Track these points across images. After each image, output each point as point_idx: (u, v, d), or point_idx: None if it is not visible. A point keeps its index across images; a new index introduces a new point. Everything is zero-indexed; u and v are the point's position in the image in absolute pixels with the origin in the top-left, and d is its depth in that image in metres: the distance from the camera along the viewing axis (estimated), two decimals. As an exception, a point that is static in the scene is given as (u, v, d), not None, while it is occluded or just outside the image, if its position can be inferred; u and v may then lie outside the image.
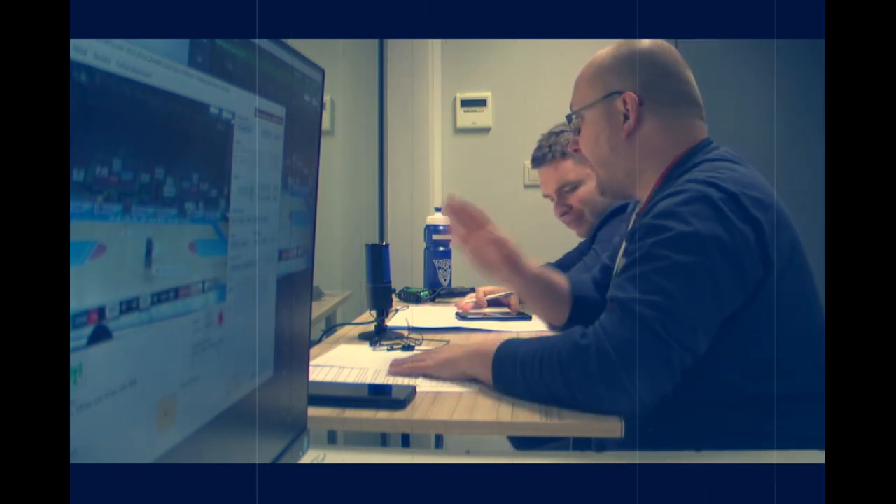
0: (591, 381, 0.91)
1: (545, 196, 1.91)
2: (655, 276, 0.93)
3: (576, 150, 1.20)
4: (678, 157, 1.09)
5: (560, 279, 1.34)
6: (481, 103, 2.99)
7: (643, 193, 1.14)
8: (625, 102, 1.10)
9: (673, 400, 0.95)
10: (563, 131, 1.81)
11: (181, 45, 0.46)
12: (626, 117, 1.10)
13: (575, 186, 1.80)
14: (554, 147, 1.81)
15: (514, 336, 1.20)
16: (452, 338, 1.41)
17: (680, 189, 0.98)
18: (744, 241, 0.94)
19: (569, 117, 1.19)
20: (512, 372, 0.99)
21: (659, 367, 0.91)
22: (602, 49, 1.16)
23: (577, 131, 1.18)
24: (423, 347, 1.34)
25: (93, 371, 0.38)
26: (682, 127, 1.10)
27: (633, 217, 1.20)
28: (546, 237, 2.95)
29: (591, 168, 1.40)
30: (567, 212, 1.84)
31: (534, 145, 1.91)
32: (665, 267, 0.93)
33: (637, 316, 0.91)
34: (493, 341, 1.07)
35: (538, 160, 1.86)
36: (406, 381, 1.08)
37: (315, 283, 0.94)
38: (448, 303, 1.94)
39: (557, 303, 1.32)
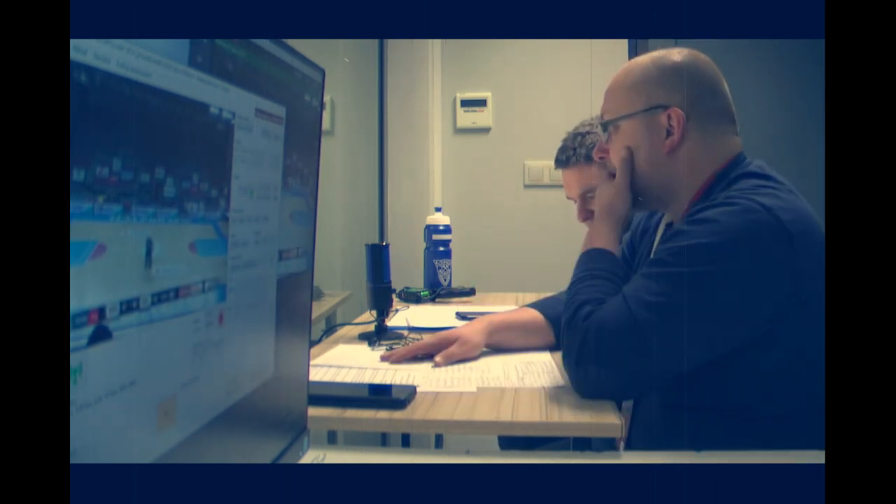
0: (569, 360, 1.01)
1: (568, 198, 1.88)
2: (665, 279, 0.95)
3: (601, 158, 1.18)
4: (715, 173, 1.07)
5: (530, 315, 1.36)
6: (481, 103, 2.99)
7: (676, 208, 1.12)
8: (669, 118, 1.06)
9: (688, 409, 0.96)
10: (588, 132, 1.78)
11: (181, 45, 0.46)
12: (669, 133, 1.07)
13: None
14: (579, 150, 1.76)
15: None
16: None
17: (716, 203, 0.98)
18: (773, 254, 0.93)
19: (604, 125, 1.14)
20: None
21: (636, 368, 0.95)
22: (639, 57, 1.12)
23: (608, 139, 1.15)
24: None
25: (93, 371, 0.38)
26: (721, 144, 1.09)
27: (663, 226, 1.20)
28: (546, 237, 2.95)
29: None
30: (590, 217, 1.81)
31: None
32: (682, 274, 0.94)
33: (632, 316, 0.94)
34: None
35: (562, 162, 1.82)
36: (406, 380, 1.08)
37: (315, 283, 0.93)
38: (448, 303, 1.94)
39: (540, 333, 1.32)
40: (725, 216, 0.95)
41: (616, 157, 1.13)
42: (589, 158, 1.74)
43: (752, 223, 0.93)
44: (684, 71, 1.07)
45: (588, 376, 0.97)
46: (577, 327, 1.00)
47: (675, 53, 1.10)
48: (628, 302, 0.96)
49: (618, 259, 1.13)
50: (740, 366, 0.97)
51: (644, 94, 1.08)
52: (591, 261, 1.11)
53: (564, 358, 1.03)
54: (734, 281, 0.93)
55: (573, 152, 1.78)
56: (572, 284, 1.10)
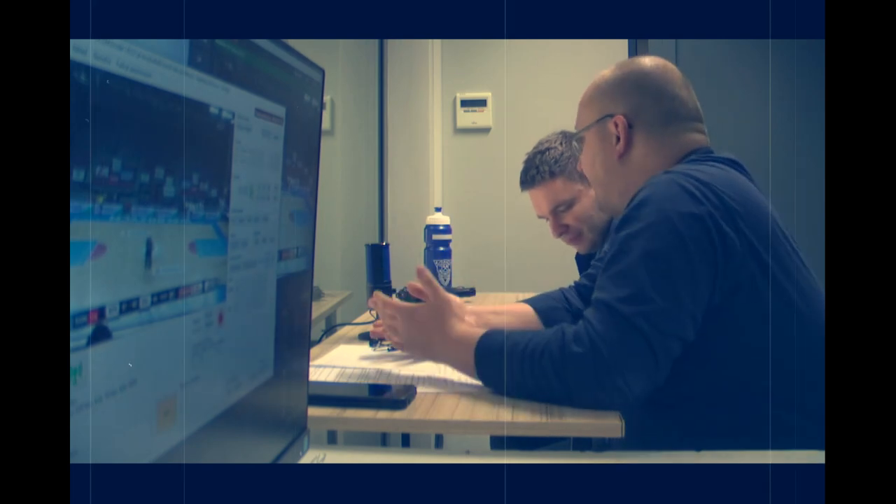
0: (589, 387, 0.92)
1: (539, 217, 1.88)
2: (631, 270, 0.95)
3: (581, 169, 1.25)
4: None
5: (521, 307, 1.41)
6: (481, 103, 2.99)
7: None
8: (616, 125, 1.13)
9: (668, 394, 0.96)
10: (548, 149, 1.79)
11: (181, 45, 0.46)
12: (618, 139, 1.13)
13: (570, 205, 1.75)
14: (541, 167, 1.76)
15: None
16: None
17: (653, 181, 1.01)
18: (716, 222, 0.95)
19: (574, 137, 1.24)
20: (498, 366, 0.98)
21: (649, 363, 0.92)
22: (604, 70, 1.19)
23: (581, 151, 1.22)
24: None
25: (93, 371, 0.38)
26: (674, 144, 1.12)
27: None
28: (546, 237, 2.95)
29: (582, 185, 1.54)
30: (565, 231, 1.81)
31: (534, 145, 1.89)
32: (639, 259, 0.94)
33: (621, 316, 0.92)
34: (473, 332, 1.05)
35: (527, 182, 1.81)
36: (408, 381, 1.08)
37: (315, 283, 0.93)
38: (448, 303, 1.93)
39: (530, 324, 1.37)
40: (656, 192, 0.98)
41: (586, 168, 1.21)
42: (553, 174, 1.75)
43: (689, 192, 0.96)
44: (628, 80, 1.15)
45: (620, 391, 0.92)
46: (582, 361, 0.92)
47: (631, 63, 1.17)
48: (614, 307, 0.93)
49: (496, 332, 1.03)
50: (697, 351, 0.97)
51: (598, 106, 1.17)
52: (493, 354, 1.00)
53: (581, 392, 0.93)
54: (686, 250, 0.94)
55: (536, 171, 1.78)
56: (520, 372, 0.97)
